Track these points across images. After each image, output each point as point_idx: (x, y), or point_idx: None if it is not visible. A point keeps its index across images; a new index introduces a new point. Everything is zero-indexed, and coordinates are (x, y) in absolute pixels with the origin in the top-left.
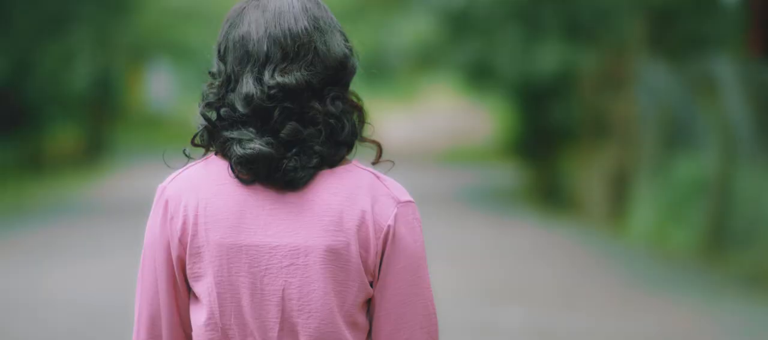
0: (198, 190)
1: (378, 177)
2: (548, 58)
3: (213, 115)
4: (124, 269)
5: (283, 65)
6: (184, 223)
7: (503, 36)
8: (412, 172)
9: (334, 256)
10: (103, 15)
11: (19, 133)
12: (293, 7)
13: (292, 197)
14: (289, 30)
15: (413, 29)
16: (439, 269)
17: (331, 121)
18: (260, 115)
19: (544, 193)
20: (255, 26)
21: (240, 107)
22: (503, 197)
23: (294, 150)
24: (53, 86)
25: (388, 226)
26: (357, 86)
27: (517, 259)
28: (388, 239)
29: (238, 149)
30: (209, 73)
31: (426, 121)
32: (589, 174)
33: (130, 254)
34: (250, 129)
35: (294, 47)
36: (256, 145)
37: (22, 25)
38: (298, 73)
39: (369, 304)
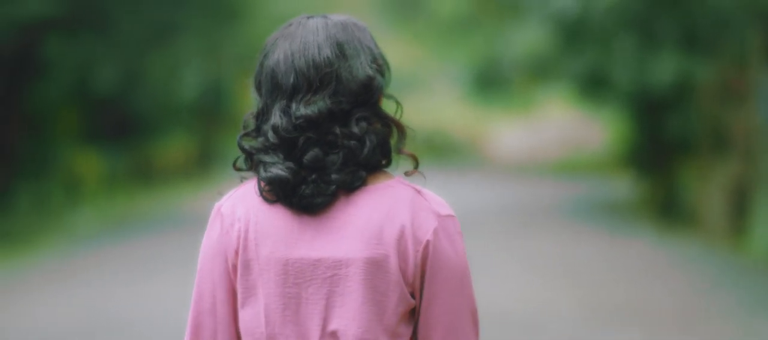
0: (249, 206)
1: (419, 192)
2: (665, 68)
3: (252, 144)
4: None
5: (308, 96)
6: (238, 236)
7: (618, 46)
8: (525, 183)
9: (375, 267)
10: (211, 24)
11: (128, 143)
12: (318, 35)
13: (336, 213)
14: (313, 60)
15: (527, 39)
16: (551, 286)
17: (351, 142)
18: (287, 143)
19: (660, 207)
20: (283, 57)
21: (270, 137)
22: (617, 210)
23: (313, 176)
24: (162, 96)
25: (428, 239)
26: (472, 97)
27: (631, 277)
28: (428, 252)
29: (262, 172)
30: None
31: (540, 132)
32: (707, 188)
33: None
34: (279, 154)
35: (317, 78)
36: (277, 170)
37: (130, 35)
38: (322, 103)
39: (412, 314)
